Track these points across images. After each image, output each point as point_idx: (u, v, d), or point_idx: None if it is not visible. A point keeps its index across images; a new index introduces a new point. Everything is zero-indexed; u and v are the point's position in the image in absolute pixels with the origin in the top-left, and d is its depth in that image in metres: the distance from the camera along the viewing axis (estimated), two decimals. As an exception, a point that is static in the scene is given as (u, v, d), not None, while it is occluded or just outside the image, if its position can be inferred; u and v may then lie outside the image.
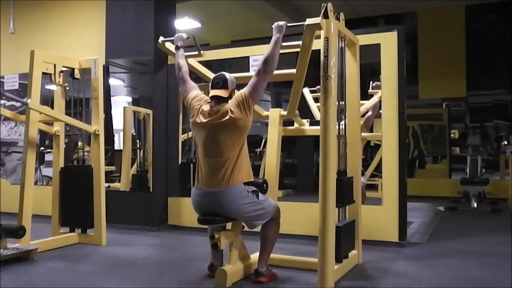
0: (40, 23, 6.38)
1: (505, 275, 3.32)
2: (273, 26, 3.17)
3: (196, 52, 3.76)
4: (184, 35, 3.60)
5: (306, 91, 4.95)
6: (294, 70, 3.33)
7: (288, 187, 8.31)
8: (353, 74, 3.60)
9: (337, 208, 3.16)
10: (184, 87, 3.34)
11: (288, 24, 3.16)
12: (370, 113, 4.84)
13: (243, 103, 2.99)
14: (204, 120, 3.04)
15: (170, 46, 3.79)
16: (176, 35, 3.63)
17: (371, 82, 4.95)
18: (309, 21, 3.03)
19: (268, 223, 3.15)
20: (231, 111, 2.98)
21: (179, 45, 3.55)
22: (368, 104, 4.67)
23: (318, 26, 2.98)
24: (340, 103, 3.36)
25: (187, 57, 3.66)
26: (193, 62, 3.91)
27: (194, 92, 3.26)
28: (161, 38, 3.85)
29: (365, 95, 4.63)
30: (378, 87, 4.64)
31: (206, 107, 3.09)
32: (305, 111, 4.31)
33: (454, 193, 7.26)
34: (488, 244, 4.41)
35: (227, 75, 3.13)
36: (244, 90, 3.03)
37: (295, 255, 3.67)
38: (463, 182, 6.97)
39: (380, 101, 4.49)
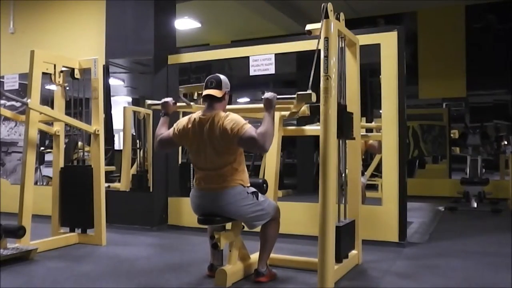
0: (40, 23, 6.38)
1: (505, 275, 3.32)
2: (262, 98, 3.04)
3: (185, 104, 3.71)
4: (171, 101, 3.40)
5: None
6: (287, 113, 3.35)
7: (288, 187, 8.31)
8: (353, 74, 3.60)
9: (337, 207, 3.16)
10: (164, 140, 3.19)
11: (278, 97, 3.06)
12: (376, 143, 4.93)
13: (229, 137, 2.88)
14: (195, 130, 3.00)
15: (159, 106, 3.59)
16: (163, 100, 3.42)
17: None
18: (299, 96, 3.01)
19: (268, 223, 3.15)
20: (220, 132, 2.90)
21: (164, 112, 3.36)
22: (367, 126, 4.74)
23: (308, 98, 2.98)
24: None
25: (178, 107, 3.63)
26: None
27: (172, 127, 3.17)
28: (147, 102, 3.73)
29: (365, 95, 4.64)
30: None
31: (197, 114, 3.05)
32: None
33: (454, 193, 7.26)
34: (488, 244, 4.41)
35: (222, 76, 3.10)
36: (240, 131, 2.86)
37: (295, 255, 3.67)
38: (463, 182, 6.97)
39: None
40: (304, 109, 3.73)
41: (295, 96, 3.04)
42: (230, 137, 2.89)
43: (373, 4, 8.04)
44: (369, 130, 5.22)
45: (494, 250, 4.17)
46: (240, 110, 3.38)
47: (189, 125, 3.05)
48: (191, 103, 3.68)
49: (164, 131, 3.23)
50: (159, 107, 3.49)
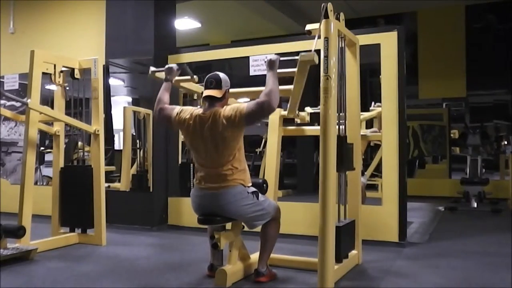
0: (40, 23, 6.38)
1: (505, 275, 3.32)
2: (265, 61, 3.08)
3: (189, 77, 3.70)
4: (175, 67, 3.42)
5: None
6: (291, 86, 3.32)
7: (288, 187, 8.31)
8: (353, 74, 3.60)
9: (337, 207, 3.16)
10: (164, 113, 3.20)
11: (281, 58, 3.08)
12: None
13: (235, 120, 2.91)
14: (197, 127, 3.01)
15: (161, 75, 3.62)
16: (167, 66, 3.45)
17: (372, 103, 5.03)
18: (302, 56, 3.02)
19: (268, 223, 3.15)
20: (222, 123, 2.92)
21: (168, 78, 3.40)
22: (367, 116, 4.73)
23: (311, 61, 2.99)
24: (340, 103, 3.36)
25: (180, 81, 3.63)
26: (190, 85, 3.87)
27: (177, 108, 3.18)
28: (151, 69, 3.72)
29: (365, 95, 4.65)
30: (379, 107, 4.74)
31: (198, 111, 3.06)
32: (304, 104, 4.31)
33: (454, 193, 7.26)
34: (488, 244, 4.41)
35: (221, 74, 3.10)
36: (242, 109, 2.91)
37: (295, 255, 3.67)
38: (463, 182, 6.97)
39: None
40: (304, 115, 3.75)
41: (298, 57, 3.03)
42: (236, 120, 2.90)
43: (373, 4, 8.04)
44: (370, 126, 5.25)
45: (494, 250, 4.17)
46: (239, 94, 3.37)
47: (190, 121, 3.04)
48: (194, 76, 3.66)
49: (166, 98, 3.26)
50: (162, 76, 3.50)
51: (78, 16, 6.07)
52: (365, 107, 5.06)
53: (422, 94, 8.91)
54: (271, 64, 3.04)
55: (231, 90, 3.20)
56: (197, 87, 3.85)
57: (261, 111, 2.92)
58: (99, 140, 4.49)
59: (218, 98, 3.03)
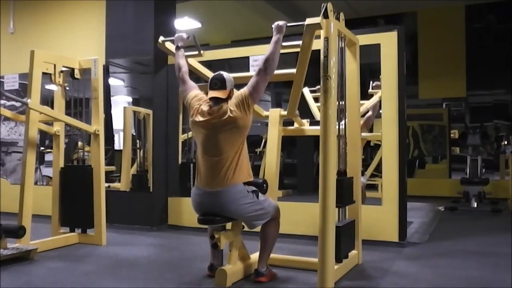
0: (40, 23, 6.38)
1: (505, 275, 3.32)
2: (273, 26, 3.16)
3: (196, 52, 3.75)
4: (184, 35, 3.57)
5: (306, 90, 4.95)
6: (294, 70, 3.33)
7: (288, 187, 8.31)
8: (353, 74, 3.60)
9: (337, 208, 3.16)
10: (184, 87, 3.33)
11: (288, 24, 3.16)
12: (370, 113, 4.86)
13: (242, 102, 2.99)
14: (203, 119, 3.04)
15: (170, 46, 3.79)
16: (176, 35, 3.61)
17: (371, 82, 4.96)
18: (309, 20, 3.03)
19: (268, 223, 3.15)
20: (231, 110, 2.98)
21: (179, 45, 3.53)
22: (368, 104, 4.68)
23: (318, 26, 2.98)
24: (340, 103, 3.36)
25: (187, 57, 3.66)
26: (193, 62, 3.91)
27: (194, 91, 3.26)
28: (161, 38, 3.83)
29: (365, 95, 4.64)
30: (378, 87, 4.65)
31: (205, 107, 3.08)
32: (305, 111, 4.32)
33: (454, 193, 7.26)
34: (488, 244, 4.41)
35: (225, 74, 3.12)
36: (244, 90, 3.03)
37: (295, 255, 3.67)
38: (463, 182, 6.97)
39: (380, 101, 4.50)
40: (304, 123, 3.76)
41: (304, 22, 3.04)
42: (243, 102, 2.99)
43: (373, 4, 8.04)
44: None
45: (494, 250, 4.17)
46: (239, 79, 3.37)
47: (197, 113, 3.09)
48: (202, 51, 3.75)
49: (183, 62, 3.43)
50: (170, 48, 3.65)
51: (78, 16, 6.07)
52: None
53: (422, 94, 8.91)
54: (278, 29, 3.12)
55: (233, 74, 3.25)
56: (204, 70, 3.87)
57: (261, 79, 3.02)
58: (99, 140, 4.49)
59: (224, 99, 3.05)
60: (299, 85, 3.37)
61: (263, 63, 3.03)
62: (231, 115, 2.97)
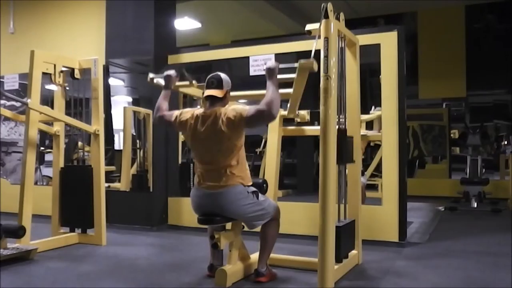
0: (40, 23, 6.38)
1: (505, 275, 3.32)
2: (264, 68, 3.06)
3: (188, 82, 3.69)
4: (173, 74, 3.38)
5: None
6: (291, 90, 3.32)
7: (288, 187, 8.31)
8: (353, 74, 3.60)
9: (337, 207, 3.16)
10: (164, 120, 3.21)
11: (280, 66, 3.06)
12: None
13: (235, 122, 2.91)
14: (197, 127, 3.01)
15: (160, 81, 3.58)
16: (165, 73, 3.40)
17: (372, 107, 5.05)
18: (301, 63, 3.01)
19: (268, 223, 3.15)
20: (223, 122, 2.92)
21: (167, 85, 3.37)
22: (367, 118, 4.74)
23: (310, 67, 2.98)
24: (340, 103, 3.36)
25: (179, 86, 3.63)
26: (186, 89, 3.86)
27: (176, 112, 3.20)
28: (150, 75, 3.69)
29: (365, 95, 4.65)
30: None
31: (199, 111, 3.07)
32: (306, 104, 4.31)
33: (454, 193, 7.26)
34: (488, 244, 4.41)
35: (222, 75, 3.10)
36: (243, 112, 2.91)
37: (295, 255, 3.67)
38: (463, 182, 6.97)
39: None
40: (304, 114, 3.75)
41: (297, 65, 3.03)
42: (236, 123, 2.91)
43: (373, 4, 8.04)
44: (370, 128, 5.25)
45: (494, 250, 4.17)
46: (240, 97, 3.37)
47: (191, 121, 3.06)
48: (194, 81, 3.65)
49: (165, 106, 3.26)
50: (161, 82, 3.48)
51: (78, 16, 6.07)
52: (365, 108, 5.06)
53: (422, 94, 8.90)
54: (270, 72, 3.02)
55: (232, 93, 3.21)
56: (196, 91, 3.85)
57: (261, 119, 2.94)
58: (99, 140, 4.49)
59: (219, 98, 3.04)
60: (298, 95, 3.37)
61: (266, 106, 2.87)
62: (223, 130, 2.92)
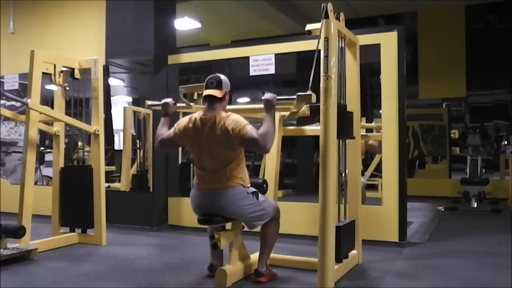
0: (40, 23, 6.38)
1: (505, 275, 3.32)
2: (263, 98, 3.04)
3: (185, 105, 3.70)
4: (171, 102, 3.39)
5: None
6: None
7: (288, 187, 8.31)
8: (353, 74, 3.60)
9: (337, 207, 3.16)
10: (165, 141, 3.20)
11: (278, 98, 3.06)
12: (376, 143, 4.93)
13: (230, 137, 2.90)
14: (197, 129, 3.01)
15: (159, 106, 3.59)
16: (163, 101, 3.40)
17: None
18: (299, 97, 3.02)
19: (268, 223, 3.15)
20: (221, 131, 2.91)
21: (165, 112, 3.36)
22: (367, 126, 4.73)
23: (308, 98, 2.99)
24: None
25: (178, 108, 3.64)
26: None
27: (172, 128, 3.19)
28: (147, 102, 3.73)
29: (365, 95, 4.65)
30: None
31: (197, 114, 3.06)
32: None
33: (454, 193, 7.26)
34: (488, 244, 4.41)
35: (222, 76, 3.10)
36: (242, 130, 2.89)
37: (295, 255, 3.67)
38: (463, 182, 6.97)
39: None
40: (304, 109, 3.73)
41: (295, 97, 3.04)
42: (231, 137, 2.91)
43: (373, 4, 8.04)
44: (369, 130, 5.22)
45: (494, 250, 4.17)
46: (240, 111, 3.38)
47: (190, 125, 3.05)
48: (191, 104, 3.67)
49: (164, 132, 3.24)
50: (159, 107, 3.49)
51: (78, 16, 6.07)
52: (365, 108, 5.07)
53: (422, 94, 8.91)
54: (268, 104, 3.00)
55: (230, 107, 3.20)
56: (197, 108, 3.84)
57: (255, 147, 2.98)
58: (99, 140, 4.49)
59: (218, 99, 3.03)
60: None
61: (261, 140, 2.86)
62: (222, 131, 2.91)
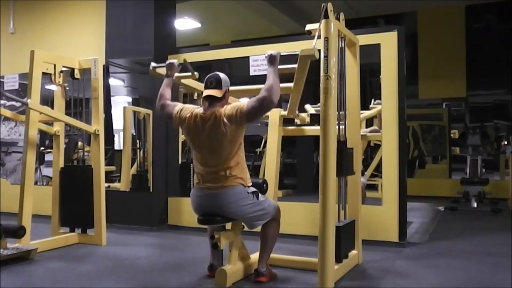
0: (40, 23, 6.37)
1: (505, 275, 3.32)
2: (265, 56, 3.08)
3: (190, 74, 3.69)
4: (176, 63, 3.44)
5: (308, 107, 4.98)
6: (291, 84, 3.31)
7: (288, 187, 8.31)
8: (353, 74, 3.60)
9: (337, 207, 3.16)
10: (166, 110, 3.22)
11: (282, 53, 3.08)
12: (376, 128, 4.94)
13: (236, 117, 2.92)
14: (197, 126, 3.01)
15: (162, 70, 3.63)
16: (168, 61, 3.46)
17: (372, 100, 5.03)
18: (303, 51, 3.01)
19: (268, 223, 3.15)
20: (224, 123, 2.93)
21: (169, 73, 3.42)
22: (367, 114, 4.73)
23: (312, 56, 2.98)
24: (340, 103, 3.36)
25: (180, 77, 3.64)
26: (190, 82, 3.87)
27: (178, 106, 3.20)
28: (152, 64, 3.73)
29: (365, 95, 4.65)
30: (379, 104, 4.72)
31: (198, 110, 3.07)
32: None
33: (454, 193, 7.26)
34: (488, 244, 4.41)
35: (221, 74, 3.10)
36: (243, 107, 2.92)
37: (295, 255, 3.67)
38: (463, 182, 6.97)
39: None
40: (304, 116, 3.75)
41: (298, 52, 3.03)
42: (237, 118, 2.92)
43: (373, 4, 8.04)
44: (370, 124, 5.25)
45: (494, 250, 4.17)
46: (239, 92, 3.37)
47: (191, 120, 3.05)
48: (195, 73, 3.65)
49: (167, 94, 3.29)
50: (162, 72, 3.51)
51: (78, 16, 6.06)
52: (365, 107, 5.06)
53: (422, 94, 8.90)
54: (271, 59, 3.05)
55: (231, 88, 3.20)
56: (197, 85, 3.85)
57: (261, 107, 2.93)
58: (99, 140, 4.48)
59: (218, 98, 3.03)
60: (298, 91, 3.37)
61: (265, 92, 2.90)
62: (224, 130, 2.92)
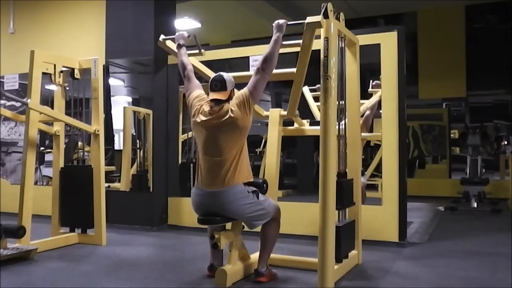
0: (40, 23, 6.38)
1: (505, 275, 3.32)
2: (273, 24, 3.17)
3: (197, 51, 3.75)
4: (185, 34, 3.58)
5: (306, 90, 4.95)
6: (294, 69, 3.33)
7: (288, 187, 8.31)
8: (353, 74, 3.60)
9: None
10: (188, 85, 3.34)
11: (289, 23, 3.16)
12: (368, 112, 4.84)
13: (243, 102, 3.00)
14: (204, 119, 3.05)
15: (171, 45, 3.78)
16: (177, 33, 3.61)
17: (371, 81, 4.96)
18: (309, 19, 3.02)
19: (268, 223, 3.15)
20: (231, 110, 2.98)
21: (180, 43, 3.53)
22: (368, 103, 4.67)
23: (318, 25, 2.98)
24: (340, 103, 3.36)
25: (188, 54, 3.66)
26: (194, 61, 3.89)
27: (197, 91, 3.26)
28: (162, 37, 3.82)
29: (365, 95, 4.64)
30: (378, 86, 4.65)
31: (206, 107, 3.09)
32: (305, 111, 4.32)
33: (454, 193, 7.26)
34: (488, 244, 4.41)
35: (225, 75, 3.11)
36: (245, 90, 3.04)
37: (295, 255, 3.67)
38: (463, 182, 6.97)
39: (379, 100, 4.50)
40: (304, 123, 3.75)
41: (306, 21, 3.03)
42: (244, 101, 3.00)
43: (373, 4, 8.04)
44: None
45: (494, 250, 4.17)
46: (239, 78, 3.36)
47: (200, 111, 3.09)
48: (202, 50, 3.74)
49: (188, 62, 3.43)
50: (170, 46, 3.66)
51: (78, 16, 6.07)
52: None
53: (422, 94, 8.90)
54: (278, 27, 3.13)
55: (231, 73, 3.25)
56: (204, 68, 3.87)
57: (261, 76, 3.03)
58: (99, 140, 4.49)
59: (224, 100, 3.05)
60: (299, 84, 3.37)
61: (261, 62, 3.04)
62: (232, 115, 2.97)
